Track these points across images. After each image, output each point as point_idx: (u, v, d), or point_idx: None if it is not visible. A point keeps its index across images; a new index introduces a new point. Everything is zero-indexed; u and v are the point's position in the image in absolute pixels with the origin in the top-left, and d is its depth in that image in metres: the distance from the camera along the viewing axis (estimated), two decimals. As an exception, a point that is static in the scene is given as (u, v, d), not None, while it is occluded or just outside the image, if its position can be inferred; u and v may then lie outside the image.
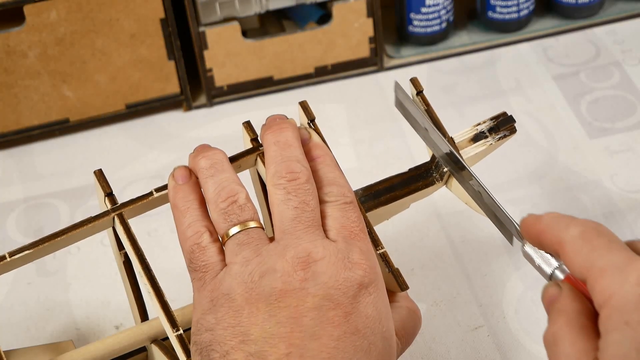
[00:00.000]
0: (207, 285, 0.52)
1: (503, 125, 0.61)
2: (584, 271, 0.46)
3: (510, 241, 0.54)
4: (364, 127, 0.86)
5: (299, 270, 0.51)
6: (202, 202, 0.56)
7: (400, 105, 0.61)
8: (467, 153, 0.60)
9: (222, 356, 0.50)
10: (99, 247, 0.78)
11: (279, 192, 0.54)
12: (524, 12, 0.92)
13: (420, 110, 0.60)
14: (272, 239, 0.53)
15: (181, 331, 0.54)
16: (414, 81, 0.60)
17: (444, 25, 0.91)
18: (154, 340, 0.61)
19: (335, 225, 0.53)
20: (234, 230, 0.53)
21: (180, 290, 0.68)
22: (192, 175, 0.57)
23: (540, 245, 0.50)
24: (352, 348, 0.50)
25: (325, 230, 0.53)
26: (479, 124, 0.61)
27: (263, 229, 0.54)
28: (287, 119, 0.58)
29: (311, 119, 0.59)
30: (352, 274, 0.51)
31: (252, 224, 0.53)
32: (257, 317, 0.50)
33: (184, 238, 0.54)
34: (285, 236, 0.52)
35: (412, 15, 0.90)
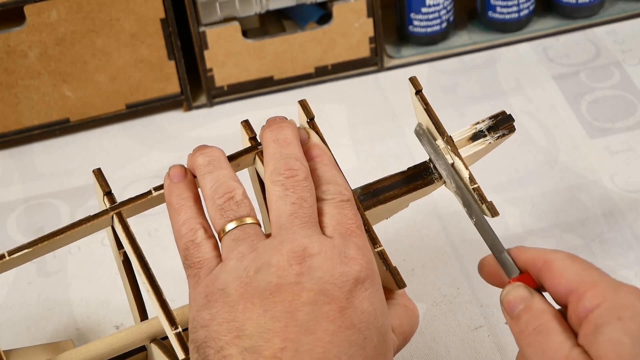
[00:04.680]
0: (202, 281, 0.52)
1: (502, 124, 0.61)
2: (573, 283, 0.50)
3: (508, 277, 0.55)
4: (364, 127, 0.86)
5: (295, 265, 0.51)
6: (197, 200, 0.56)
7: (419, 138, 0.61)
8: (465, 152, 0.60)
9: (217, 352, 0.50)
10: (100, 247, 0.78)
11: (277, 188, 0.54)
12: (524, 12, 0.92)
13: (439, 153, 0.60)
14: (268, 236, 0.53)
15: (180, 329, 0.54)
16: (413, 80, 0.60)
17: (444, 25, 0.91)
18: (154, 340, 0.61)
19: (331, 222, 0.53)
20: (230, 226, 0.53)
21: (180, 291, 0.67)
22: (187, 173, 0.57)
23: (525, 265, 0.53)
24: (347, 343, 0.50)
25: (321, 227, 0.53)
26: (477, 123, 0.61)
27: (260, 225, 0.54)
28: (287, 119, 0.58)
29: (310, 118, 0.59)
30: (348, 268, 0.51)
31: (249, 220, 0.53)
32: (252, 312, 0.50)
33: (179, 235, 0.54)
34: (281, 231, 0.52)
35: (412, 15, 0.91)
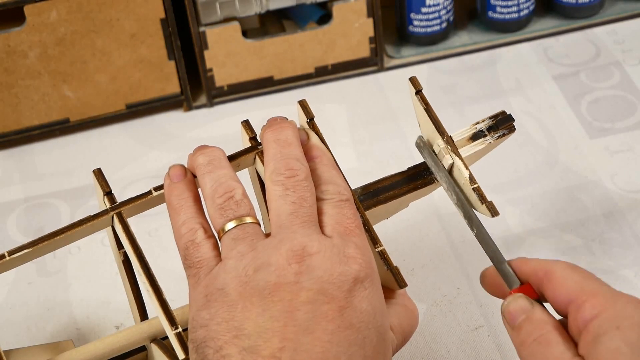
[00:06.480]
0: (201, 281, 0.52)
1: (502, 124, 0.61)
2: (572, 293, 0.50)
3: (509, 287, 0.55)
4: (364, 127, 0.86)
5: (294, 264, 0.51)
6: (197, 200, 0.56)
7: (420, 151, 0.61)
8: (465, 152, 0.60)
9: (216, 351, 0.50)
10: (100, 247, 0.78)
11: (277, 188, 0.54)
12: (524, 12, 0.92)
13: (439, 167, 0.60)
14: (268, 235, 0.53)
15: (180, 329, 0.54)
16: (413, 80, 0.60)
17: (444, 25, 0.91)
18: (154, 340, 0.61)
19: (330, 222, 0.53)
20: (229, 225, 0.53)
21: (180, 291, 0.67)
22: (187, 173, 0.57)
23: (526, 275, 0.54)
24: (346, 342, 0.50)
25: (321, 227, 0.53)
26: (477, 123, 0.61)
27: (259, 224, 0.54)
28: (287, 120, 0.58)
29: (310, 118, 0.59)
30: (348, 268, 0.51)
31: (248, 220, 0.53)
32: (250, 311, 0.50)
33: (179, 235, 0.55)
34: (281, 230, 0.52)
35: (413, 15, 0.91)
